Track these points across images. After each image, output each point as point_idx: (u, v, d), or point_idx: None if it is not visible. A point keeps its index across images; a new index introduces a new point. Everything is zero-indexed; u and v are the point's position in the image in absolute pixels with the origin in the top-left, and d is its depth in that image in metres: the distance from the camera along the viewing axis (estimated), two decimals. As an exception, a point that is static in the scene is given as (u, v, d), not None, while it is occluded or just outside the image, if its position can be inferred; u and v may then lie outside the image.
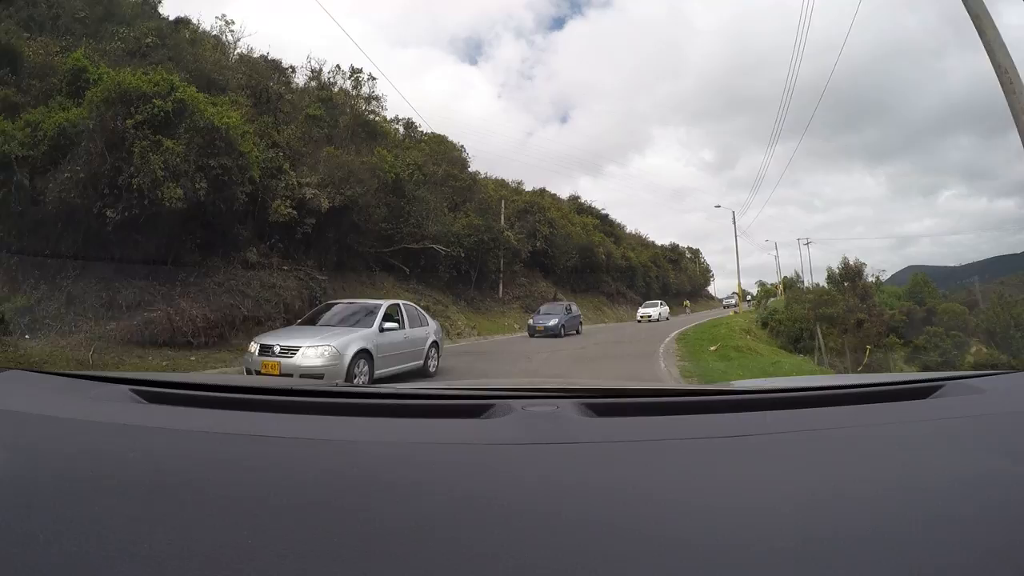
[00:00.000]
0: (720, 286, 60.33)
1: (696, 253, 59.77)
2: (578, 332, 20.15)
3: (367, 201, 15.16)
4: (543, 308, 20.65)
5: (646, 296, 41.87)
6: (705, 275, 62.39)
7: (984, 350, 23.01)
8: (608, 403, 0.93)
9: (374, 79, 22.14)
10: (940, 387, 1.03)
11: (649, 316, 26.62)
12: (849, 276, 29.77)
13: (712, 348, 13.02)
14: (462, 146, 28.17)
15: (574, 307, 22.46)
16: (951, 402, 0.95)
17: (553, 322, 19.29)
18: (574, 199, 39.40)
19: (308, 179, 14.06)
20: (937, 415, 0.89)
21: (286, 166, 13.63)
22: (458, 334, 17.13)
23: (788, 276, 45.32)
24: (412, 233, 18.91)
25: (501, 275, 26.31)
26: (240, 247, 12.83)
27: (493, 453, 0.69)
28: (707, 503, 0.55)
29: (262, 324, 11.83)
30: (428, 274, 20.11)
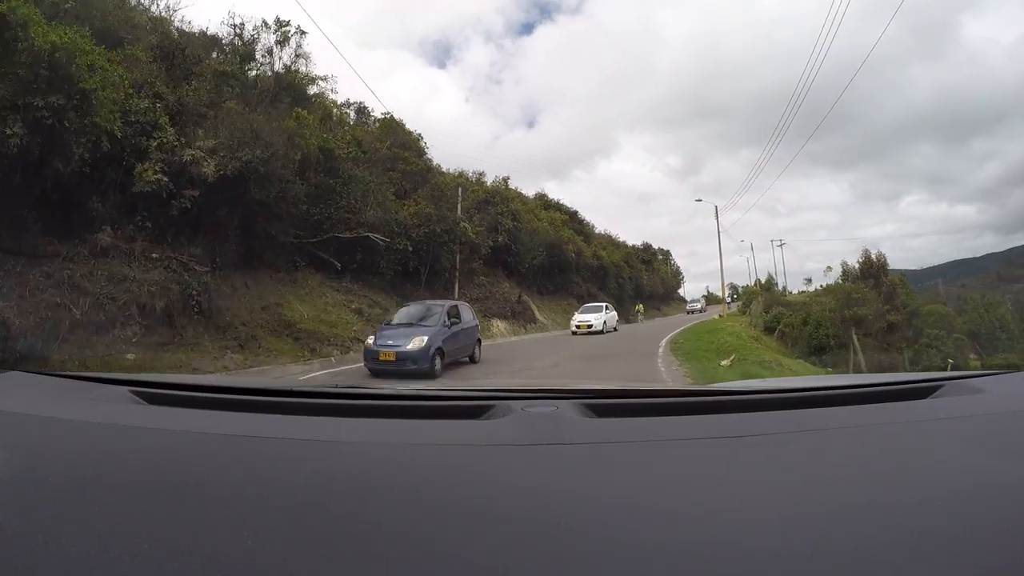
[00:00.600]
0: (688, 289, 68.37)
1: (667, 255, 61.35)
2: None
3: (281, 175, 12.92)
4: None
5: (619, 299, 41.20)
6: (676, 277, 64.88)
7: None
8: (608, 404, 0.96)
9: (303, 33, 19.24)
10: (940, 387, 1.06)
11: (589, 325, 21.74)
12: (872, 272, 25.89)
13: (724, 363, 11.42)
14: (419, 134, 25.94)
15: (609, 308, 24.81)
16: (951, 402, 0.98)
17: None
18: (541, 196, 38.73)
19: (201, 143, 11.50)
20: (937, 415, 0.93)
21: (163, 120, 11.07)
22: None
23: (760, 280, 45.75)
24: (345, 220, 16.61)
25: (457, 273, 24.03)
26: (95, 226, 10.23)
27: (493, 454, 0.73)
28: (707, 504, 0.58)
29: (103, 333, 9.05)
30: (366, 271, 18.10)
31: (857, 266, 28.21)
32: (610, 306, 21.85)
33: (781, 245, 60.92)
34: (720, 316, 33.07)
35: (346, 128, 19.66)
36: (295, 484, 0.63)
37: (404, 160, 21.52)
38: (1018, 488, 0.62)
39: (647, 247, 53.45)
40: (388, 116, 23.16)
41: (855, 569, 0.47)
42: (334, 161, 15.20)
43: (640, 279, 46.33)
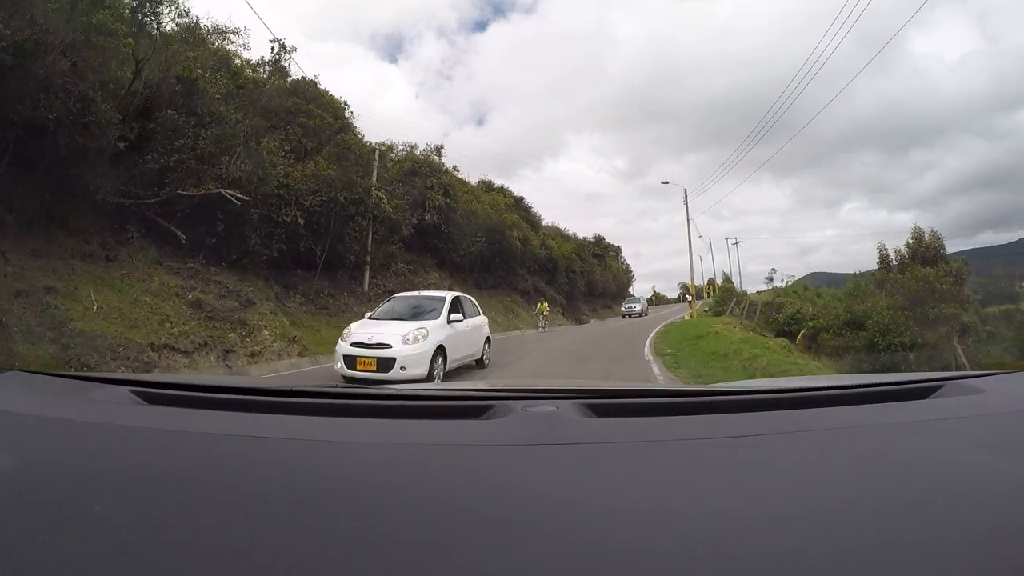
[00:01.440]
0: (635, 289, 69.66)
1: (618, 251, 62.18)
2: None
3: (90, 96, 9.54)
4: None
5: (569, 296, 40.43)
6: (627, 275, 65.67)
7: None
8: (608, 404, 1.04)
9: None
10: (940, 387, 1.13)
11: (382, 350, 9.43)
12: (928, 258, 24.10)
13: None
14: (345, 102, 21.52)
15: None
16: (951, 402, 1.05)
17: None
18: (485, 183, 36.82)
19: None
20: (937, 415, 0.98)
21: None
22: (252, 355, 11.15)
23: (713, 279, 47.21)
24: (196, 172, 11.98)
25: (368, 258, 19.21)
26: None
27: (493, 454, 0.78)
28: (707, 504, 0.62)
29: None
30: (231, 248, 13.51)
31: (905, 250, 24.89)
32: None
33: (736, 243, 59.99)
34: (689, 316, 32.74)
35: (219, 55, 15.94)
36: (295, 484, 0.68)
37: (308, 114, 18.05)
38: (1019, 488, 0.66)
39: (599, 240, 54.30)
40: (307, 79, 19.47)
41: (855, 569, 0.50)
42: (198, 96, 12.20)
43: (592, 274, 46.10)
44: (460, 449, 0.79)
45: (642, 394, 1.24)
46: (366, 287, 18.48)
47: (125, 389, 1.05)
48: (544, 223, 41.22)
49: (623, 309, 43.39)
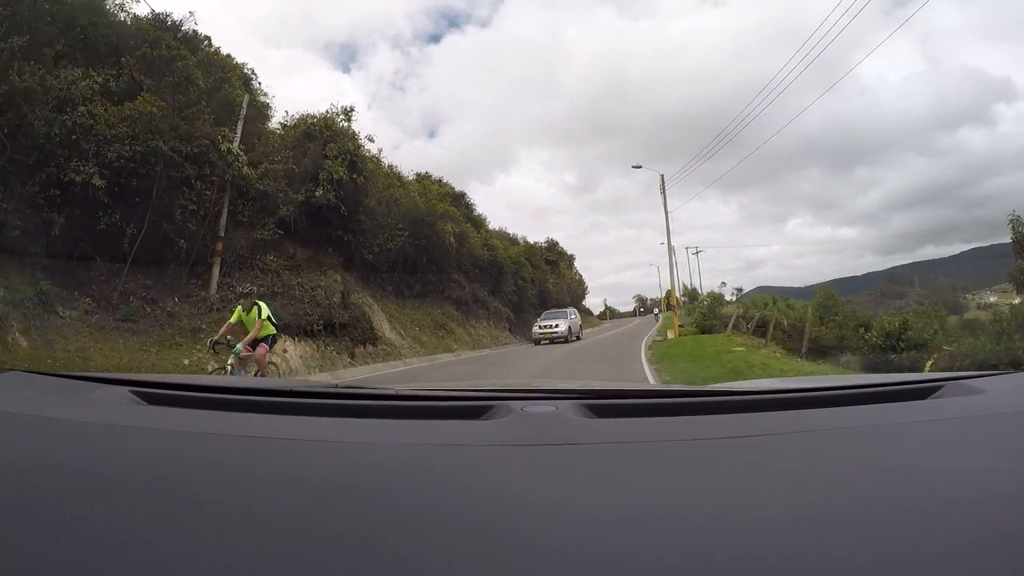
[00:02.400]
0: (586, 303, 70.32)
1: (571, 260, 60.30)
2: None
3: None
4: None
5: (518, 308, 34.81)
6: (581, 286, 62.90)
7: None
8: (608, 404, 1.10)
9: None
10: (940, 387, 1.16)
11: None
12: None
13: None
14: (251, 70, 17.31)
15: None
16: (951, 402, 1.09)
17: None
18: (423, 175, 31.13)
19: None
20: (937, 415, 1.02)
21: None
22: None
23: (671, 290, 41.09)
24: None
25: (220, 246, 13.14)
26: None
27: (492, 454, 0.82)
28: (707, 504, 0.66)
29: None
30: None
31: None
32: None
33: (697, 253, 56.09)
34: (675, 335, 27.84)
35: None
36: (294, 484, 0.72)
37: (154, 43, 12.64)
38: (1019, 489, 0.69)
39: (553, 245, 53.92)
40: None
41: (855, 571, 0.53)
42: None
43: (545, 283, 43.58)
44: (460, 449, 0.85)
45: (642, 394, 1.35)
46: (213, 289, 12.99)
47: (125, 389, 1.10)
48: (492, 227, 40.86)
49: (535, 331, 29.07)
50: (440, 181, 33.15)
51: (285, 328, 12.80)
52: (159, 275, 12.46)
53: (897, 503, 0.65)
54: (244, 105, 14.19)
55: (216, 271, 13.46)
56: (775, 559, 0.54)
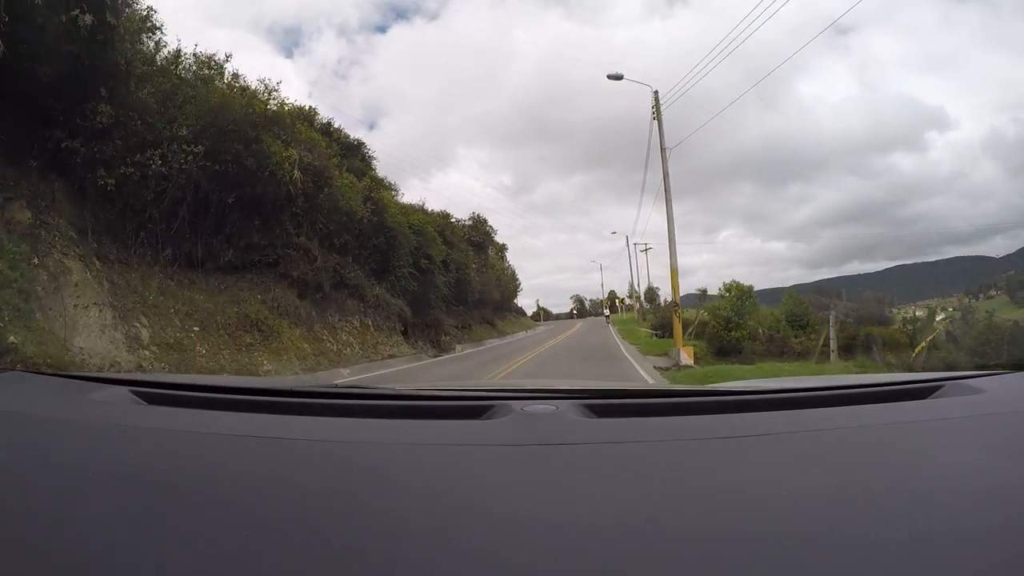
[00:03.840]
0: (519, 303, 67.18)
1: (502, 249, 48.57)
2: None
3: None
4: None
5: (419, 302, 22.22)
6: (514, 282, 52.37)
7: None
8: (608, 404, 1.10)
9: None
10: (940, 387, 1.18)
11: None
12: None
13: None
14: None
15: None
16: (951, 402, 1.11)
17: None
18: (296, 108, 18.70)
19: None
20: (937, 415, 1.04)
21: None
22: None
23: (614, 292, 44.55)
24: None
25: None
26: None
27: (493, 454, 0.83)
28: (707, 504, 0.67)
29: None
30: None
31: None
32: None
33: (647, 250, 55.30)
34: (688, 359, 17.00)
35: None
36: (295, 484, 0.74)
37: None
38: (1019, 488, 0.71)
39: (479, 223, 40.75)
40: None
41: (855, 570, 0.54)
42: None
43: (466, 271, 30.60)
44: (460, 449, 0.86)
45: (642, 394, 1.35)
46: None
47: (125, 389, 1.11)
48: (407, 200, 28.57)
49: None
50: (330, 124, 22.49)
51: None
52: None
53: (897, 502, 0.65)
54: None
55: None
56: (776, 558, 0.54)
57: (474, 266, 32.91)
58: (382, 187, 23.37)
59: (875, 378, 1.68)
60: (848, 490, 0.70)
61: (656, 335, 30.35)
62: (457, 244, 29.82)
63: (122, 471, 0.76)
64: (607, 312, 56.79)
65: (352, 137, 24.21)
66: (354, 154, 23.54)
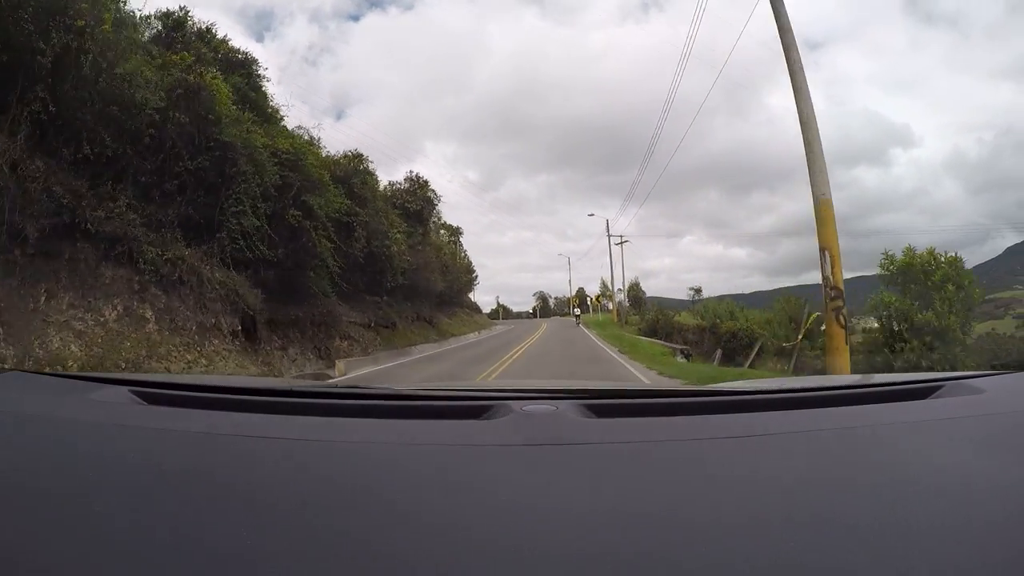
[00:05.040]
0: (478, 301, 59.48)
1: (456, 233, 41.42)
2: None
3: None
4: None
5: (282, 288, 13.00)
6: (469, 273, 44.44)
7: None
8: (607, 404, 1.10)
9: None
10: (940, 387, 1.18)
11: None
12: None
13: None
14: None
15: None
16: (951, 402, 1.11)
17: None
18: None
19: None
20: (937, 415, 1.04)
21: None
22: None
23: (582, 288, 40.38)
24: None
25: None
26: None
27: (493, 454, 0.83)
28: (707, 504, 0.68)
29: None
30: None
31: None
32: None
33: (622, 243, 46.62)
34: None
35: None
36: (294, 484, 0.75)
37: None
38: (1019, 488, 0.72)
39: (419, 185, 29.04)
40: None
41: (856, 569, 0.54)
42: None
43: (387, 243, 19.69)
44: (460, 449, 0.86)
45: (642, 394, 1.33)
46: None
47: (125, 389, 1.11)
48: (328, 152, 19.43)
49: None
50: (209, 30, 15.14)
51: None
52: None
53: (897, 502, 0.66)
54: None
55: None
56: (776, 558, 0.55)
57: (400, 238, 21.44)
58: (261, 113, 14.62)
59: (875, 378, 1.63)
60: (848, 490, 0.70)
61: (683, 354, 21.39)
62: (374, 203, 19.48)
63: (122, 471, 0.75)
64: (577, 311, 48.67)
65: (241, 50, 15.99)
66: (237, 71, 14.83)
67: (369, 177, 20.18)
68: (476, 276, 47.06)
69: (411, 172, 29.78)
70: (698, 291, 33.32)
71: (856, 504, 0.65)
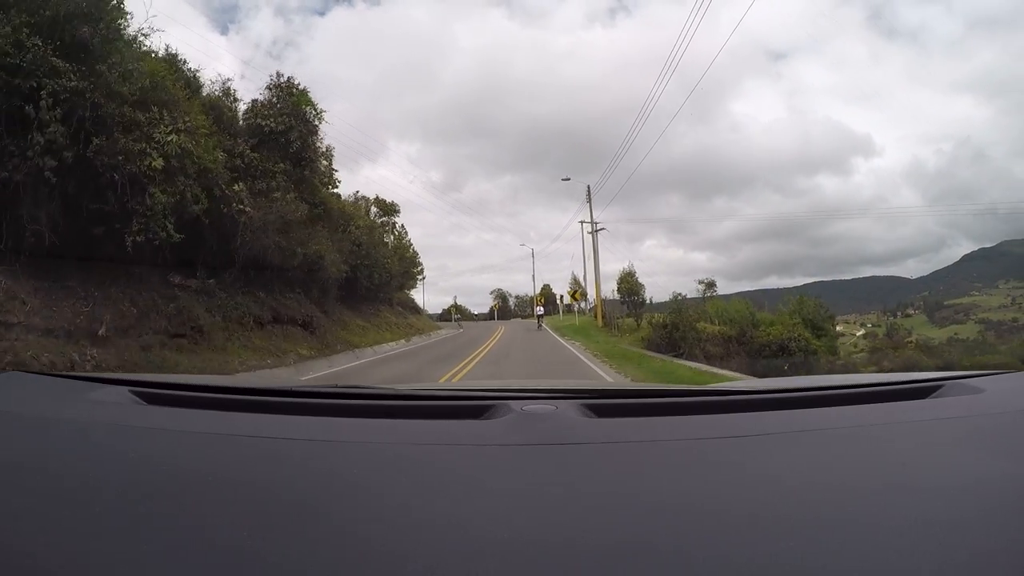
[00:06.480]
0: (430, 302, 54.35)
1: (391, 210, 33.02)
2: None
3: None
4: None
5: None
6: (415, 266, 37.09)
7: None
8: (607, 404, 1.11)
9: None
10: (940, 387, 1.19)
11: None
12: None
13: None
14: None
15: None
16: (951, 402, 1.12)
17: None
18: None
19: None
20: (937, 415, 1.05)
21: None
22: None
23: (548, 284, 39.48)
24: None
25: None
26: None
27: (493, 454, 0.84)
28: (707, 503, 0.68)
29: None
30: None
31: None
32: None
33: (598, 231, 37.70)
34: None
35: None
36: (295, 484, 0.75)
37: None
38: (1018, 487, 0.72)
39: (286, 90, 16.48)
40: None
41: (856, 568, 0.55)
42: None
43: (228, 194, 11.98)
44: (460, 449, 0.86)
45: (642, 394, 1.33)
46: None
47: (125, 389, 1.10)
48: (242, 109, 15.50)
49: None
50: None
51: None
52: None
53: (898, 501, 0.67)
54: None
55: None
56: (776, 557, 0.55)
57: (221, 158, 12.58)
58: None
59: (875, 378, 1.67)
60: (848, 489, 0.70)
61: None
62: (241, 154, 13.01)
63: (122, 471, 0.75)
64: (540, 311, 35.31)
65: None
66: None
67: (188, 77, 12.66)
68: (421, 270, 38.96)
69: (275, 74, 17.62)
70: (711, 285, 23.84)
71: (856, 504, 0.65)
